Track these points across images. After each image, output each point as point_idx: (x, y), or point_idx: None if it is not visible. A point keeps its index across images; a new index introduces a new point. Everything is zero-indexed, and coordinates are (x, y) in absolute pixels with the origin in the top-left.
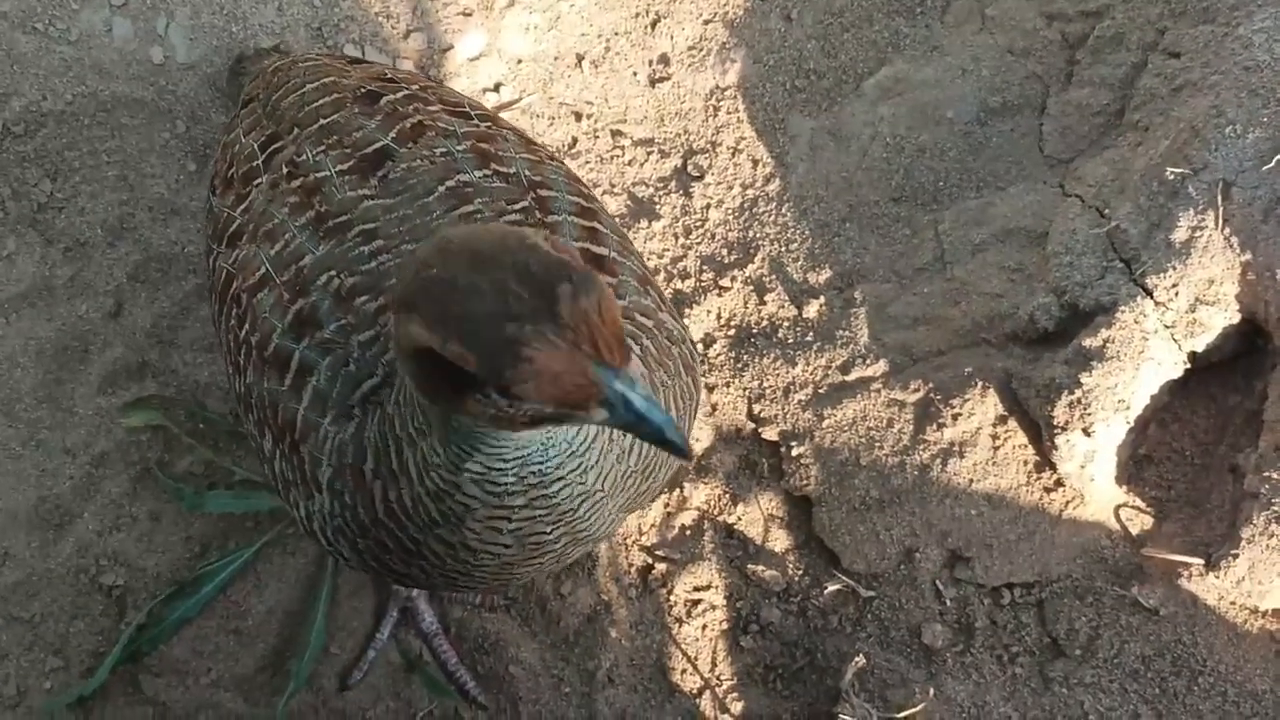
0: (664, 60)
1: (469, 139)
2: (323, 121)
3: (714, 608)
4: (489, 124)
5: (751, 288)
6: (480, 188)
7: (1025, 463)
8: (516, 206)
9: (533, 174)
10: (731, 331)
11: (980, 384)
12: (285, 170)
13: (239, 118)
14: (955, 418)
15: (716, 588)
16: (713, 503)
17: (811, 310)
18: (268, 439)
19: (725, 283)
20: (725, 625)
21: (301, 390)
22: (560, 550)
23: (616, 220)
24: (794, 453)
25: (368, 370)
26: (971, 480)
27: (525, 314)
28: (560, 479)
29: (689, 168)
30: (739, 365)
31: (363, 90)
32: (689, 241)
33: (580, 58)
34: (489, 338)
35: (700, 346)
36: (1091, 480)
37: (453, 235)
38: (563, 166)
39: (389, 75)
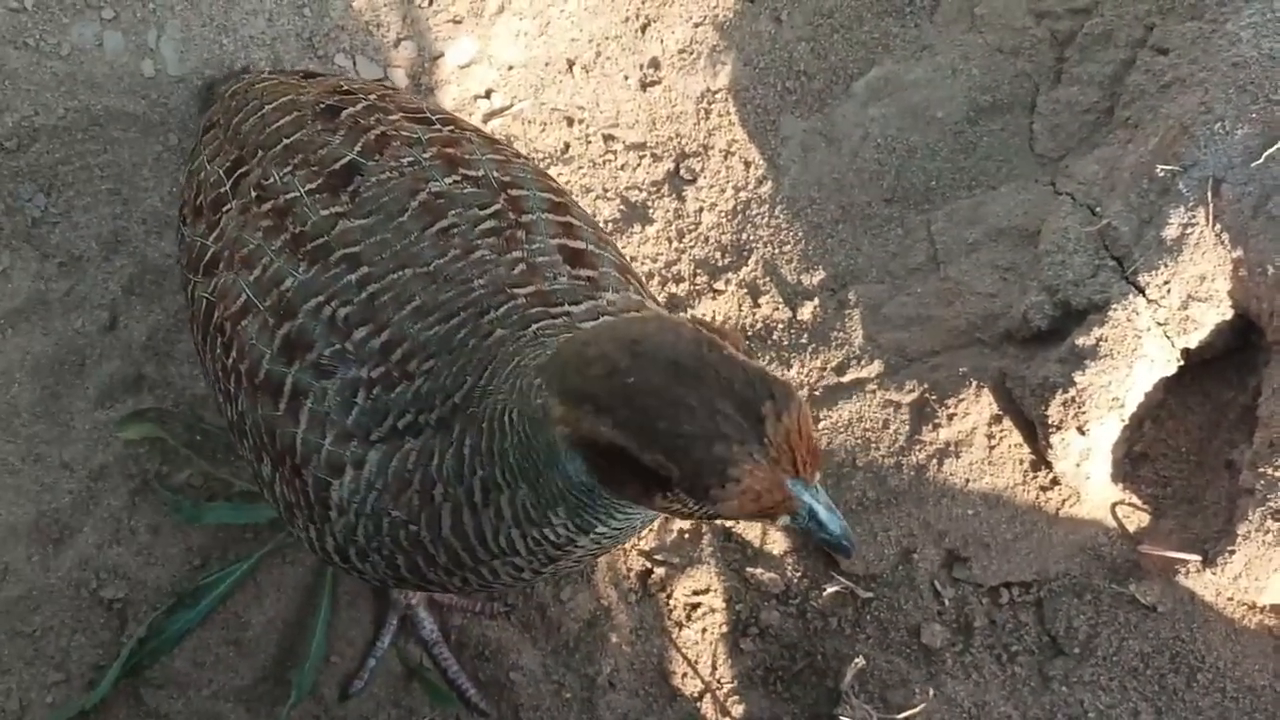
0: (655, 64)
1: (434, 145)
2: (286, 141)
3: (713, 611)
4: (451, 128)
5: (745, 290)
6: (451, 196)
7: (1021, 462)
8: (489, 211)
9: (501, 174)
10: None
11: (975, 384)
12: (254, 194)
13: (201, 144)
14: (951, 418)
15: (715, 591)
16: None
17: (806, 312)
18: (265, 464)
19: (719, 286)
20: (725, 628)
21: (297, 414)
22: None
23: (589, 212)
24: None
25: (386, 411)
26: (968, 480)
27: (734, 435)
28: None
29: (681, 171)
30: None
31: (322, 106)
32: (682, 245)
33: (571, 63)
34: (698, 457)
35: None
36: (1087, 478)
37: (640, 335)
38: (530, 164)
39: (345, 87)
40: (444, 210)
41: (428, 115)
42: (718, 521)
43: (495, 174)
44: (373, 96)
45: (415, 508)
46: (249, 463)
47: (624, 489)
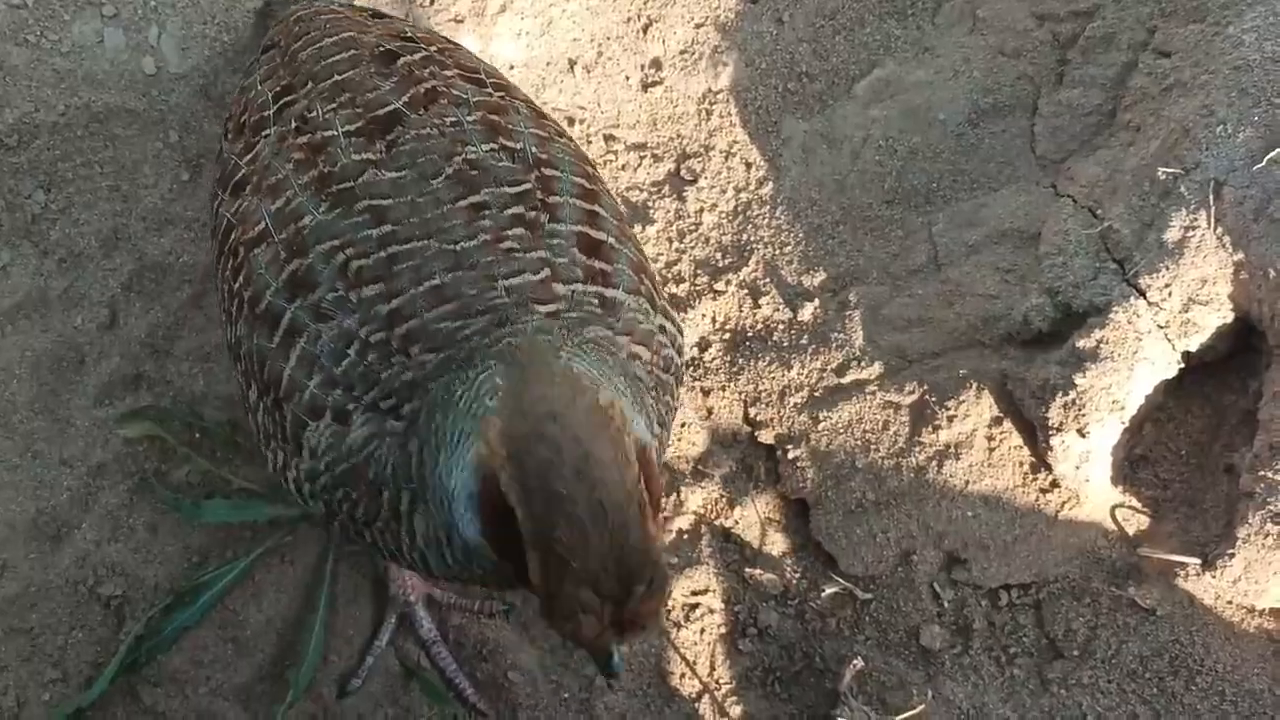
0: (656, 64)
1: (480, 109)
2: (337, 78)
3: (712, 611)
4: (502, 94)
5: (746, 291)
6: (485, 168)
7: (1021, 464)
8: (518, 190)
9: (539, 151)
10: (726, 335)
11: (975, 385)
12: (294, 125)
13: (258, 63)
14: (950, 419)
15: (714, 591)
16: (709, 506)
17: (806, 313)
18: (253, 390)
19: (720, 286)
20: (723, 629)
21: (289, 350)
22: None
23: (618, 201)
24: (790, 456)
25: (376, 380)
26: (967, 482)
27: (603, 593)
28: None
29: (682, 172)
30: (734, 369)
31: (380, 49)
32: (683, 245)
33: (572, 63)
34: (565, 592)
35: (695, 350)
36: (1087, 481)
37: (598, 458)
38: (571, 144)
39: (408, 34)
40: (477, 184)
41: (482, 77)
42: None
43: (533, 149)
44: (433, 49)
45: (363, 495)
46: (238, 385)
47: (486, 527)
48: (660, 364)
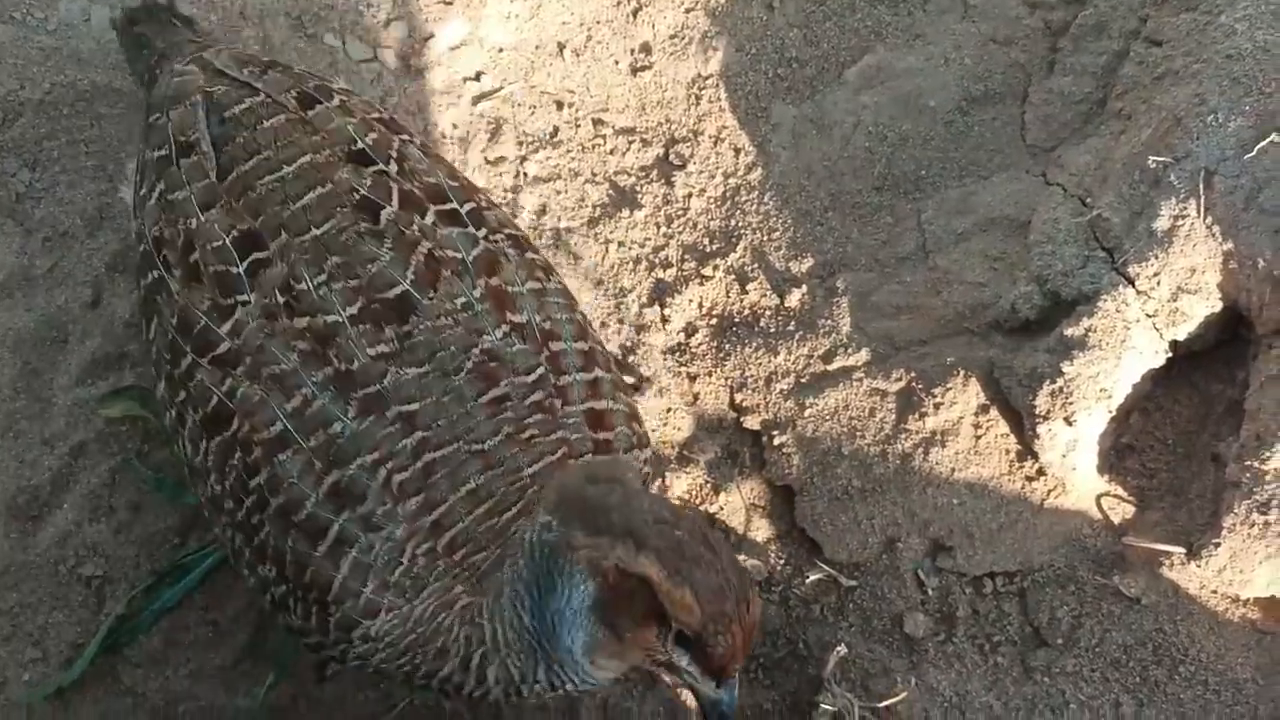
0: (646, 49)
1: (481, 274)
2: (316, 232)
3: None
4: (484, 232)
5: (734, 277)
6: (503, 357)
7: (1007, 452)
8: (534, 377)
9: (541, 319)
10: (713, 321)
11: (962, 373)
12: (282, 298)
13: (180, 169)
14: (937, 407)
15: None
16: (695, 492)
17: (794, 299)
18: (267, 570)
19: (707, 271)
20: None
21: (339, 559)
22: None
23: (602, 342)
24: (776, 442)
25: (426, 583)
26: (954, 469)
27: (737, 598)
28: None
29: (671, 156)
30: (721, 354)
31: (357, 195)
32: (671, 230)
33: (562, 46)
34: (716, 608)
35: (682, 336)
36: (1073, 469)
37: (687, 515)
38: (559, 286)
39: (357, 141)
40: (496, 376)
41: (455, 207)
42: (666, 677)
43: (537, 319)
44: (394, 168)
45: (430, 657)
46: (234, 549)
47: (620, 620)
48: None
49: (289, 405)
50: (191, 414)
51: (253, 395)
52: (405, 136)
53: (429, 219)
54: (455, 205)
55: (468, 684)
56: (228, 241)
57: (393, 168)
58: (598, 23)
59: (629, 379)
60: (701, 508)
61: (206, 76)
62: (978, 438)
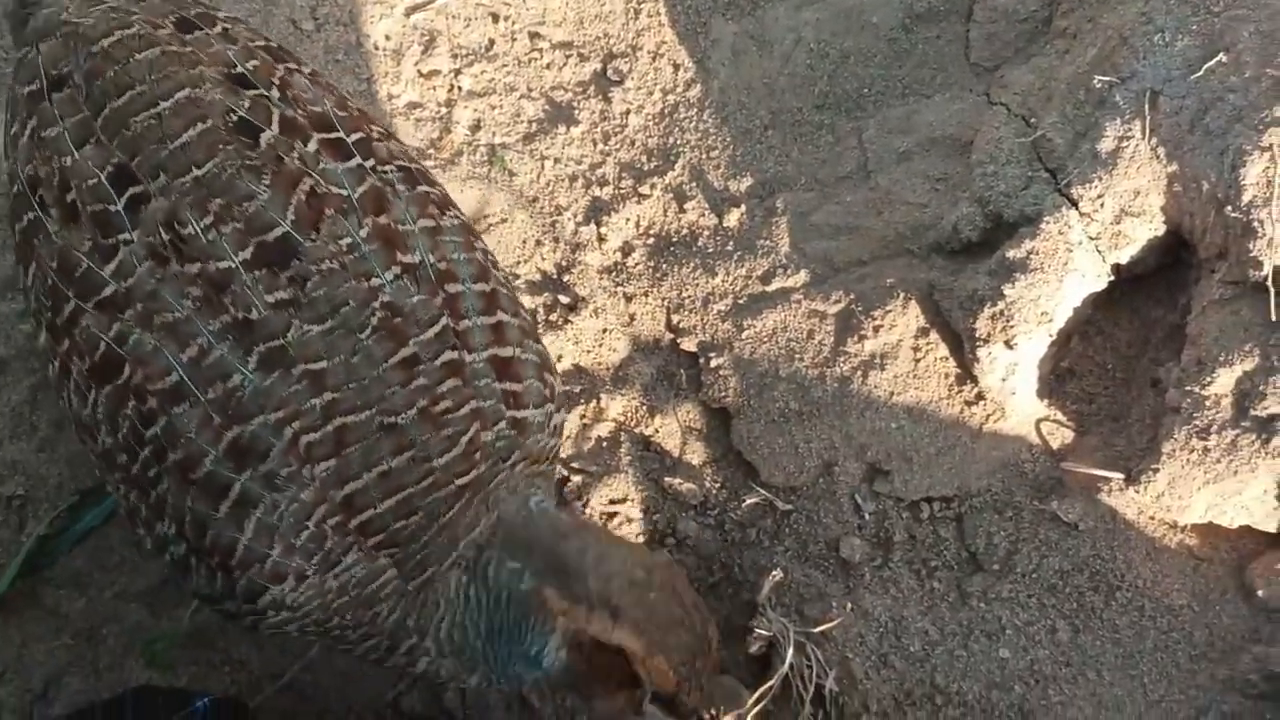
0: None
1: (367, 212)
2: (197, 173)
3: (630, 520)
4: (373, 163)
5: (671, 195)
6: (403, 310)
7: (946, 375)
8: (437, 329)
9: (436, 259)
10: (650, 240)
11: (902, 295)
12: (168, 238)
13: (51, 104)
14: (876, 329)
15: (633, 500)
16: (630, 414)
17: (732, 219)
18: (165, 527)
19: (644, 190)
20: (642, 538)
21: (243, 520)
22: None
23: (508, 278)
24: (713, 364)
25: (339, 561)
26: (892, 393)
27: (704, 649)
28: None
29: (609, 72)
30: (658, 275)
31: (234, 117)
32: (608, 148)
33: None
34: (689, 667)
35: (619, 255)
36: (1012, 394)
37: (647, 561)
38: (456, 219)
39: (238, 65)
40: (404, 335)
41: (342, 136)
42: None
43: (431, 258)
44: (276, 94)
45: (363, 623)
46: (129, 507)
47: (593, 685)
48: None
49: (184, 355)
50: (78, 363)
51: (145, 343)
52: (292, 65)
53: (311, 146)
54: (341, 134)
55: (394, 662)
56: (104, 178)
57: (274, 94)
58: None
59: (563, 299)
60: (636, 430)
61: (77, 5)
62: (917, 361)
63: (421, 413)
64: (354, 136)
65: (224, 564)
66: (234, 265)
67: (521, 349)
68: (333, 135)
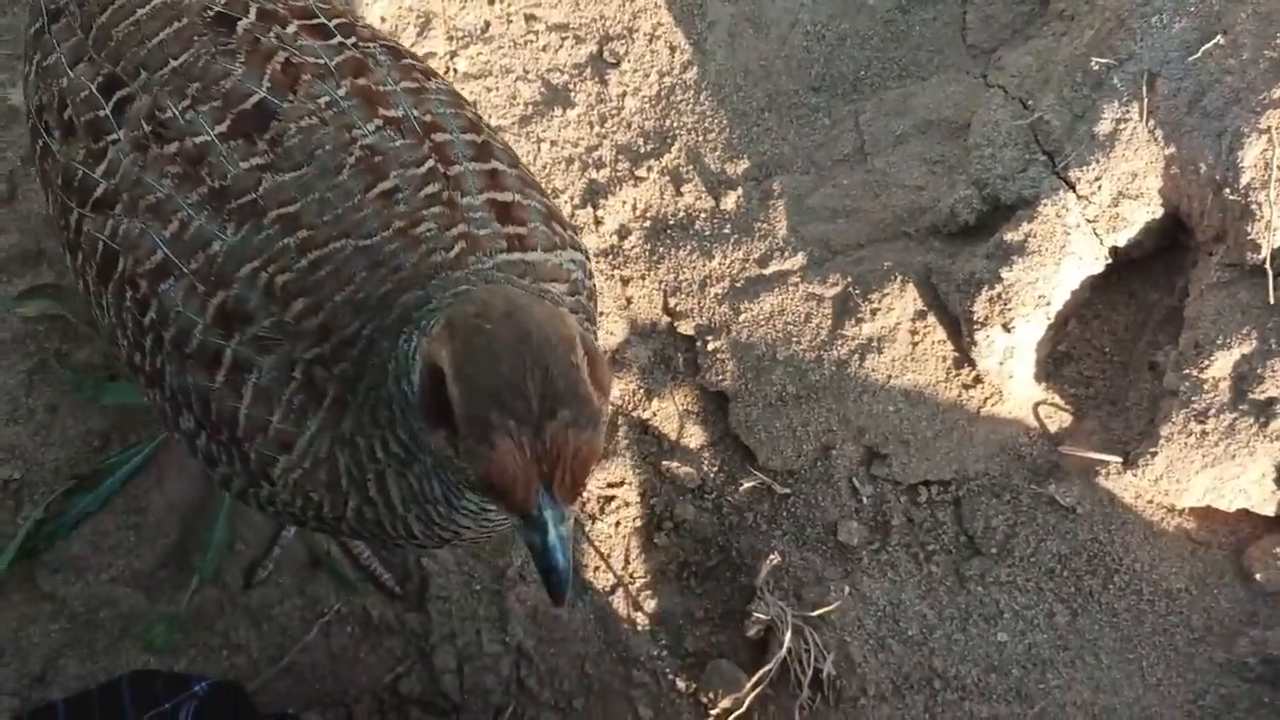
0: None
1: (345, 75)
2: (174, 64)
3: (628, 504)
4: (353, 40)
5: (668, 178)
6: (386, 152)
7: (944, 359)
8: (425, 168)
9: (420, 113)
10: (647, 223)
11: (900, 278)
12: (149, 128)
13: (50, 35)
14: (874, 313)
15: (630, 484)
16: (627, 398)
17: (729, 202)
18: (186, 419)
19: (641, 173)
20: (639, 522)
21: (240, 388)
22: None
23: (506, 141)
24: (710, 347)
25: (325, 392)
26: (890, 376)
27: (518, 413)
28: None
29: (605, 54)
30: (654, 257)
31: (211, 12)
32: (604, 130)
33: None
34: (480, 409)
35: (615, 238)
36: (1010, 377)
37: (519, 299)
38: (443, 85)
39: None
40: (384, 170)
41: (324, 22)
42: (473, 492)
43: (415, 113)
44: None
45: (327, 494)
46: (158, 409)
47: (427, 413)
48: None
49: (166, 232)
50: (89, 271)
51: (133, 229)
52: None
53: (290, 29)
54: (323, 20)
55: (381, 516)
56: (94, 89)
57: None
58: None
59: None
60: (634, 414)
61: None
62: (914, 344)
63: (398, 232)
64: (335, 21)
65: (234, 438)
66: (210, 138)
67: (523, 196)
68: (314, 21)
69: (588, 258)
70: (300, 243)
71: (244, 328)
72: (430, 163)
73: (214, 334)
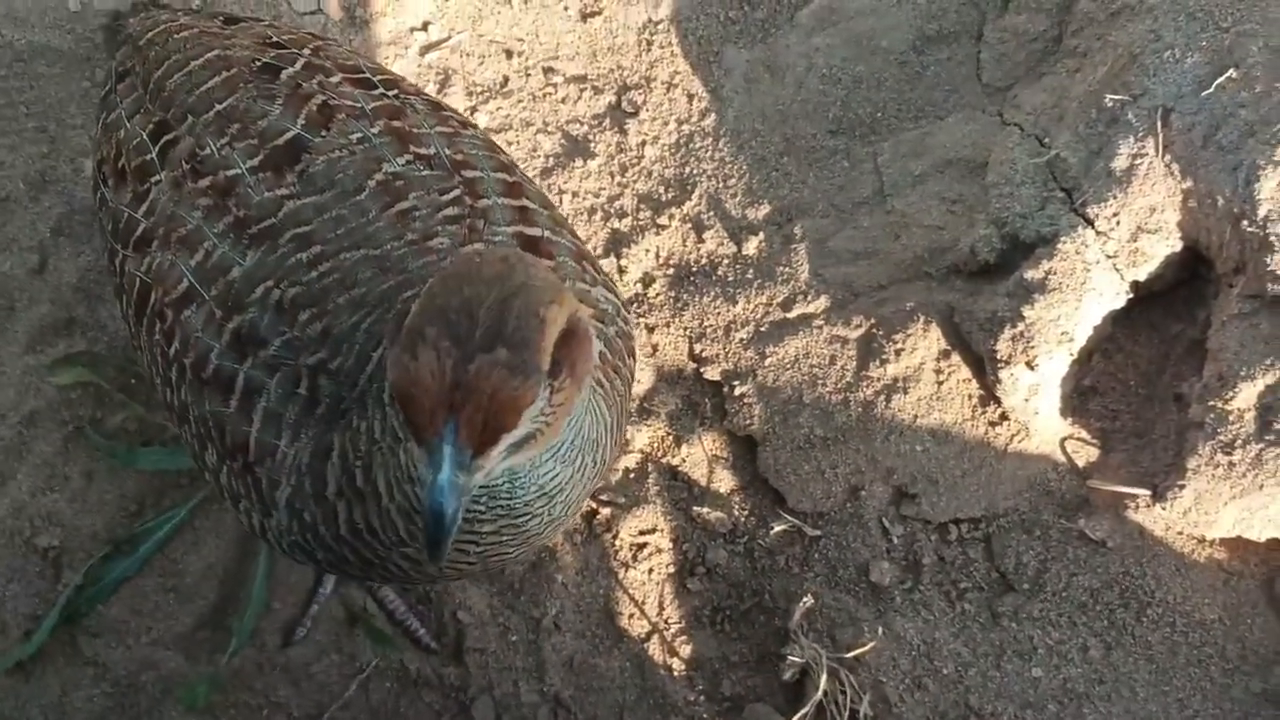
0: None
1: (380, 117)
2: (219, 107)
3: (660, 551)
4: (395, 92)
5: (690, 225)
6: (409, 178)
7: (969, 397)
8: (449, 196)
9: (453, 152)
10: (670, 270)
11: (923, 318)
12: (188, 166)
13: (116, 94)
14: (898, 353)
15: (662, 531)
16: (656, 445)
17: (751, 247)
18: (210, 453)
19: (663, 221)
20: (672, 568)
21: (250, 412)
22: (516, 556)
23: (540, 188)
24: (736, 392)
25: (324, 394)
26: (916, 416)
27: (456, 335)
28: (529, 514)
29: (623, 104)
30: (679, 304)
31: (258, 64)
32: (625, 180)
33: None
34: (423, 322)
35: (639, 286)
36: (1036, 413)
37: (524, 255)
38: (479, 134)
39: (275, 39)
40: (404, 192)
41: (368, 76)
42: (389, 407)
43: (447, 151)
44: (307, 51)
45: (314, 509)
46: (189, 448)
47: (391, 339)
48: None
49: (193, 260)
50: (129, 311)
51: (164, 262)
52: (332, 42)
53: (334, 79)
54: (367, 75)
55: (370, 516)
56: (145, 136)
57: (305, 51)
58: None
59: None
60: (663, 461)
61: (139, 19)
62: (939, 383)
63: (409, 243)
64: (380, 77)
65: (247, 464)
66: (240, 171)
67: (553, 233)
68: (359, 75)
69: (623, 304)
70: (312, 258)
71: (256, 351)
72: (457, 192)
73: (228, 358)
